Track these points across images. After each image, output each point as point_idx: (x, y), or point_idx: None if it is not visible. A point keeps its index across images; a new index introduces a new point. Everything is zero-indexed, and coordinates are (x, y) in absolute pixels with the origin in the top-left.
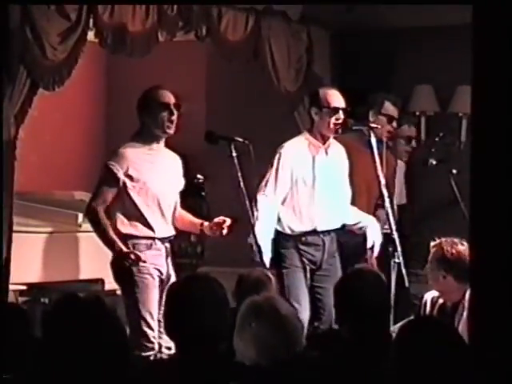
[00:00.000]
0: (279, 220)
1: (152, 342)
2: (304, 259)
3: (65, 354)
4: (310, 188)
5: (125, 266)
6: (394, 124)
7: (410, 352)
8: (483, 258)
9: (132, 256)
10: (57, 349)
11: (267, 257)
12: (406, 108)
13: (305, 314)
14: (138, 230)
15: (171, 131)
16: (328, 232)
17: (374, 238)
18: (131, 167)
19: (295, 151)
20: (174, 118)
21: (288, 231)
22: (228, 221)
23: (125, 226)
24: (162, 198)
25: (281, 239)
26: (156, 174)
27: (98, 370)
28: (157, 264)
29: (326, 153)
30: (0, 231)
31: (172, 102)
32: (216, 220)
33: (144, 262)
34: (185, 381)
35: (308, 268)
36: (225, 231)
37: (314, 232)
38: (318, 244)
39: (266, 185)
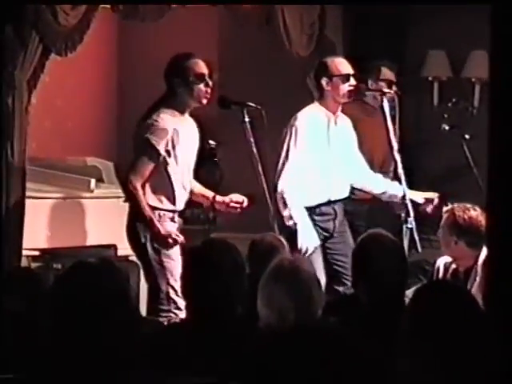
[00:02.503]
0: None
1: (181, 309)
2: (318, 228)
3: (75, 320)
4: (325, 158)
5: (146, 238)
6: (394, 88)
7: (424, 316)
8: (500, 223)
9: (170, 239)
10: (67, 314)
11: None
12: (419, 73)
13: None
14: (163, 203)
15: (205, 101)
16: (339, 201)
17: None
18: (169, 141)
19: (310, 121)
20: (209, 88)
21: (303, 203)
22: (245, 201)
23: (152, 198)
24: (187, 169)
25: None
26: (184, 146)
27: (107, 335)
28: (175, 233)
29: (335, 122)
30: None
31: (207, 73)
32: (234, 199)
33: (179, 243)
34: (200, 344)
35: (321, 236)
36: (238, 210)
37: (328, 202)
38: (331, 214)
39: (285, 161)
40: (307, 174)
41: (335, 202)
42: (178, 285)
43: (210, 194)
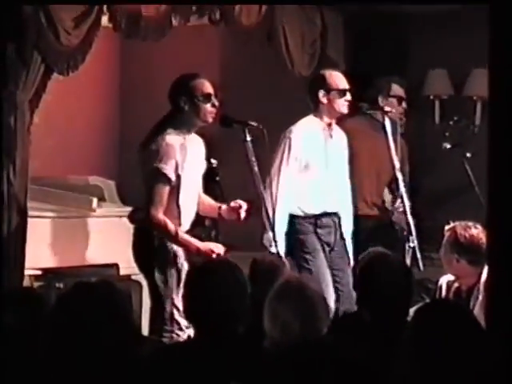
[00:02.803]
0: (293, 203)
1: (183, 331)
2: (322, 242)
3: (74, 339)
4: (321, 169)
5: (157, 257)
6: (404, 104)
7: (426, 334)
8: (501, 242)
9: (213, 253)
10: (67, 334)
11: (281, 246)
12: (420, 92)
13: (332, 298)
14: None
15: (211, 121)
16: (338, 213)
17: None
18: (179, 164)
19: (305, 134)
20: (216, 108)
21: (302, 214)
22: (244, 205)
23: None
24: (194, 188)
25: (297, 225)
26: (192, 165)
27: (108, 355)
28: (184, 255)
29: (331, 136)
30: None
31: (213, 93)
32: (232, 204)
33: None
34: (203, 364)
35: (326, 250)
36: (243, 215)
37: (327, 214)
38: (331, 226)
39: (278, 170)
40: (302, 185)
41: (332, 214)
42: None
43: (216, 204)
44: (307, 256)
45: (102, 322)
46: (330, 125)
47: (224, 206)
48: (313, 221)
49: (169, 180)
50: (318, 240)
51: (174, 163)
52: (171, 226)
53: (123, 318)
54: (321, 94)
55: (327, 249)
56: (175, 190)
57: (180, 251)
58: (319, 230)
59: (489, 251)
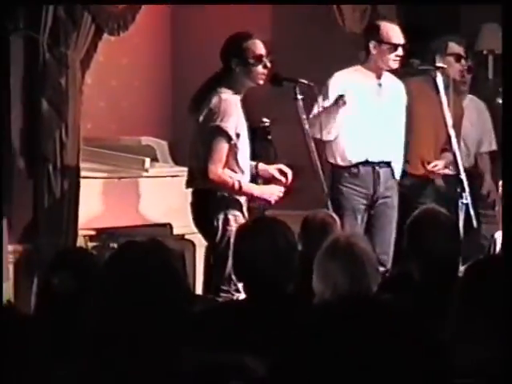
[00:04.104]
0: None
1: (240, 292)
2: (359, 194)
3: (126, 298)
4: (362, 117)
5: (214, 219)
6: (463, 62)
7: (476, 292)
8: None
9: (275, 196)
10: (118, 293)
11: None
12: (473, 47)
13: None
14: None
15: (262, 82)
16: (382, 163)
17: None
18: (237, 124)
19: (346, 81)
20: (267, 69)
21: (340, 162)
22: (289, 176)
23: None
24: (247, 147)
25: (336, 176)
26: (244, 125)
27: (159, 313)
28: (241, 215)
29: (380, 85)
30: None
31: (265, 54)
32: (277, 176)
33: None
34: (251, 323)
35: (362, 207)
36: (288, 183)
37: (367, 163)
38: (373, 175)
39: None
40: (341, 131)
41: (377, 163)
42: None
43: (252, 163)
44: (344, 213)
45: (153, 280)
46: (379, 76)
47: (263, 167)
48: (349, 169)
49: (229, 137)
50: (356, 194)
51: (234, 121)
52: (231, 179)
53: (174, 277)
54: (371, 44)
55: (364, 202)
56: (234, 148)
57: (239, 212)
58: (354, 180)
59: None
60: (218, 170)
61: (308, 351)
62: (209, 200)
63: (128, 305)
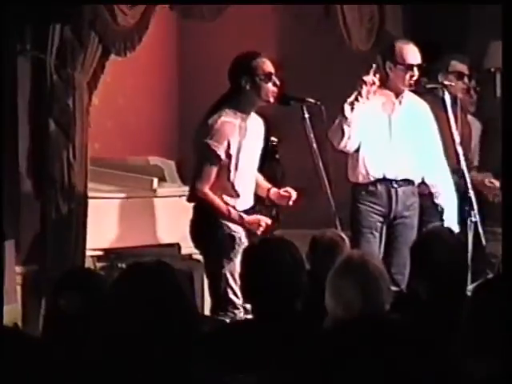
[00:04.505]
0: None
1: (238, 309)
2: (376, 212)
3: (131, 321)
4: (381, 135)
5: (211, 236)
6: (466, 80)
7: (485, 311)
8: None
9: (262, 226)
10: (124, 315)
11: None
12: (481, 64)
13: None
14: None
15: (272, 100)
16: (402, 182)
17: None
18: (231, 144)
19: (364, 103)
20: (277, 87)
21: (359, 180)
22: (294, 195)
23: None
24: (252, 168)
25: (353, 192)
26: (249, 146)
27: (165, 335)
28: (239, 232)
29: (400, 103)
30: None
31: (274, 72)
32: (282, 192)
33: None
34: (261, 342)
35: (380, 224)
36: (290, 203)
37: (384, 180)
38: (390, 194)
39: (341, 136)
40: (362, 147)
41: (395, 181)
42: (235, 284)
43: (267, 185)
44: (359, 229)
45: (159, 303)
46: (397, 95)
47: (274, 190)
48: (368, 188)
49: (218, 157)
50: (372, 212)
51: (225, 143)
52: (214, 197)
53: (181, 298)
54: (387, 65)
55: (382, 220)
56: (227, 168)
57: (236, 230)
58: (371, 198)
59: None
60: (204, 188)
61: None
62: (205, 217)
63: (135, 327)
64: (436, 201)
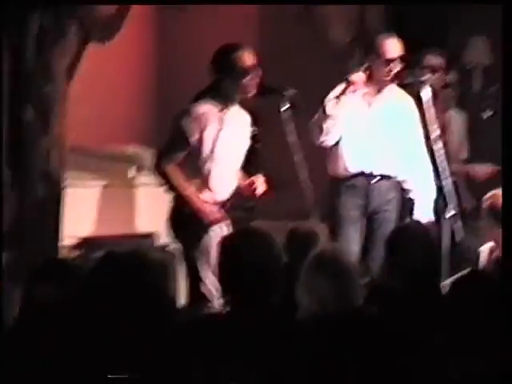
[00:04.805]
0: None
1: (210, 301)
2: (355, 205)
3: (106, 311)
4: (361, 129)
5: (188, 225)
6: (440, 73)
7: (462, 308)
8: None
9: (212, 217)
10: (99, 305)
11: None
12: (461, 59)
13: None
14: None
15: (252, 93)
16: (381, 176)
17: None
18: (205, 132)
19: (342, 99)
20: (257, 80)
21: (339, 173)
22: (259, 184)
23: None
24: (231, 160)
25: (332, 185)
26: (229, 138)
27: (140, 326)
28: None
29: (383, 96)
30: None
31: (254, 65)
32: (246, 183)
33: (220, 221)
34: (236, 333)
35: (359, 217)
36: (259, 190)
37: (363, 174)
38: (368, 188)
39: (320, 131)
40: (341, 141)
41: (372, 175)
42: (212, 275)
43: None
44: (338, 222)
45: (133, 293)
46: (380, 89)
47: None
48: (346, 181)
49: (187, 141)
50: (351, 205)
51: (198, 129)
52: (176, 177)
53: (155, 289)
54: (369, 59)
55: (362, 212)
56: (198, 155)
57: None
58: (351, 191)
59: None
60: (165, 166)
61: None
62: (182, 207)
63: (110, 318)
64: (406, 196)
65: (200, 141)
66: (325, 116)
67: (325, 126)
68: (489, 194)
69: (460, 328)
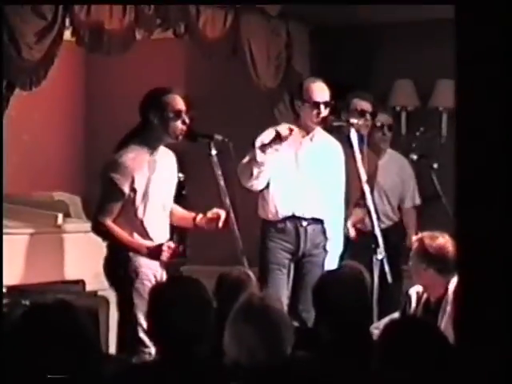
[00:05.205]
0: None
1: (148, 347)
2: (284, 249)
3: (34, 362)
4: (290, 172)
5: (121, 272)
6: (368, 117)
7: (393, 353)
8: (468, 253)
9: (166, 251)
10: (26, 356)
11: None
12: (386, 103)
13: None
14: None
15: (181, 138)
16: (311, 220)
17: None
18: (136, 179)
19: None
20: (186, 125)
21: (269, 217)
22: (222, 215)
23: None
24: (162, 203)
25: (263, 228)
26: (158, 180)
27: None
28: (153, 269)
29: (311, 141)
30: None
31: (184, 109)
32: (209, 215)
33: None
34: (166, 382)
35: (288, 261)
36: (220, 224)
37: (294, 217)
38: (298, 231)
39: (250, 176)
40: (271, 184)
41: (305, 219)
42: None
43: (191, 214)
44: (266, 267)
45: (61, 343)
46: (308, 131)
47: (200, 216)
48: (278, 225)
49: (121, 192)
50: (281, 249)
51: (130, 178)
52: (117, 229)
53: (82, 338)
54: (296, 104)
55: (291, 257)
56: (133, 202)
57: (150, 267)
58: (278, 235)
59: (458, 262)
60: (106, 221)
61: None
62: (115, 253)
63: (37, 366)
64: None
65: (132, 189)
66: (253, 161)
67: (254, 171)
68: (416, 237)
69: (392, 372)
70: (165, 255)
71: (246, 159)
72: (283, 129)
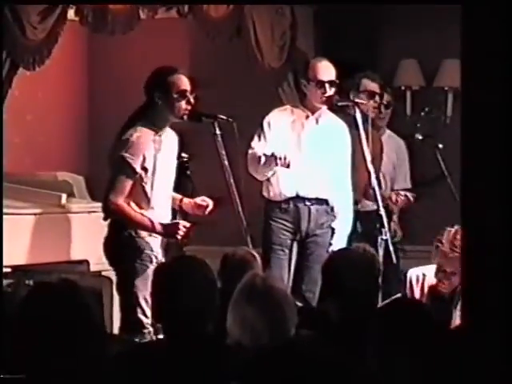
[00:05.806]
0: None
1: (146, 328)
2: (287, 229)
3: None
4: (296, 153)
5: (123, 252)
6: (377, 98)
7: (387, 334)
8: (474, 235)
9: (181, 229)
10: (31, 335)
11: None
12: (391, 83)
13: None
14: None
15: (186, 118)
16: (314, 200)
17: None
18: (146, 158)
19: (280, 120)
20: (191, 105)
21: (273, 197)
22: (210, 204)
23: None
24: (168, 183)
25: (266, 208)
26: (165, 161)
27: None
28: (155, 250)
29: (317, 121)
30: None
31: (189, 89)
32: (199, 202)
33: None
34: (171, 363)
35: (291, 242)
36: (207, 212)
37: (298, 198)
38: (301, 211)
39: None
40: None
41: (305, 199)
42: (145, 304)
43: (177, 196)
44: (269, 247)
45: (65, 323)
46: (314, 112)
47: (187, 200)
48: (281, 205)
49: (133, 170)
50: (284, 229)
51: (141, 156)
52: (128, 208)
53: (87, 319)
54: (302, 83)
55: (294, 238)
56: (142, 181)
57: (147, 246)
58: (281, 215)
59: (463, 243)
60: (118, 200)
61: None
62: (118, 233)
63: (42, 347)
64: (332, 223)
65: (143, 167)
66: (259, 157)
67: (260, 166)
68: (453, 228)
69: (390, 354)
70: (180, 233)
71: (251, 154)
72: (280, 155)
